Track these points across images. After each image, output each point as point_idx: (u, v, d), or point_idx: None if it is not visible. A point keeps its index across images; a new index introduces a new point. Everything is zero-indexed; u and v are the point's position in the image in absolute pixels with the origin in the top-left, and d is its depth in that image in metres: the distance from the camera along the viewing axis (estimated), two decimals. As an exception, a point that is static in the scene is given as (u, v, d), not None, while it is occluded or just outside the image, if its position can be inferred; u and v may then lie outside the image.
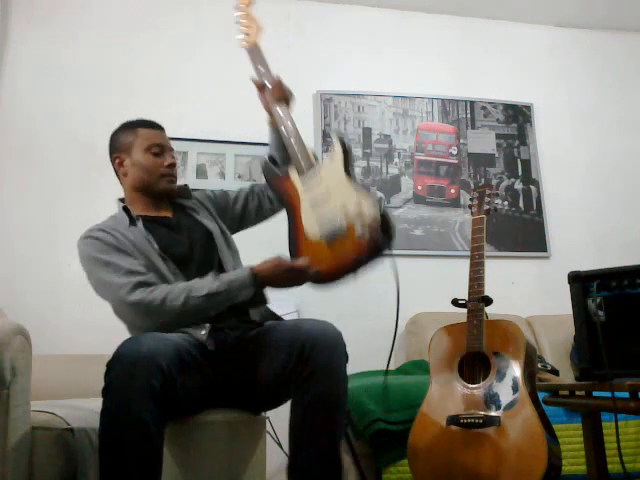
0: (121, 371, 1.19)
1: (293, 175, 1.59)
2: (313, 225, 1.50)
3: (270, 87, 1.68)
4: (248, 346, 1.47)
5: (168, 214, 1.69)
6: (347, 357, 1.38)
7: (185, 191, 1.77)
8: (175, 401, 1.30)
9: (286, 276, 1.46)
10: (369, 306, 2.77)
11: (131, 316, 1.47)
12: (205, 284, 1.45)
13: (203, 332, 1.44)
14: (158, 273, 1.52)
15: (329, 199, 1.50)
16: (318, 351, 1.32)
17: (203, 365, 1.41)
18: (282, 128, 1.64)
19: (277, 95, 1.67)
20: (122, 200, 1.70)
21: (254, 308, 1.56)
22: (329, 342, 1.35)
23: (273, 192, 1.71)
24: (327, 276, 1.47)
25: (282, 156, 1.69)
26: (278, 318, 1.63)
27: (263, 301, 1.54)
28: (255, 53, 1.73)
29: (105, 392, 1.21)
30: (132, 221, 1.60)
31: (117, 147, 1.68)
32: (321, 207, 1.50)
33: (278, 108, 1.66)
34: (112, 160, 1.69)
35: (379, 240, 1.40)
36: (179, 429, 1.44)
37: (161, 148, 1.66)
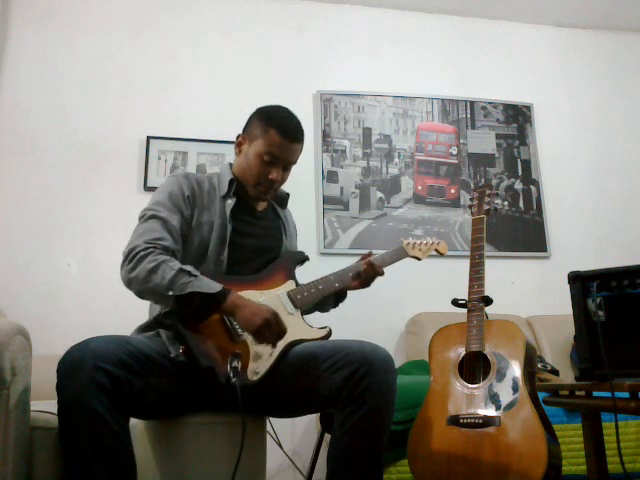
0: (68, 368, 1.20)
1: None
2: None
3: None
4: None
5: (257, 207, 1.70)
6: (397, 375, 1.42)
7: (284, 200, 1.79)
8: (139, 401, 1.30)
9: (255, 312, 1.39)
10: (366, 306, 2.77)
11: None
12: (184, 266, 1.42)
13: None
14: (201, 247, 1.53)
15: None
16: (375, 368, 1.35)
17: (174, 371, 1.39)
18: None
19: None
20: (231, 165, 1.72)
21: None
22: (384, 360, 1.38)
23: None
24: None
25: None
26: None
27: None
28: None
29: (57, 389, 1.21)
30: (228, 194, 1.62)
31: (247, 128, 1.65)
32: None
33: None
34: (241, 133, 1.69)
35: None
36: (179, 429, 1.44)
37: (275, 160, 1.58)
